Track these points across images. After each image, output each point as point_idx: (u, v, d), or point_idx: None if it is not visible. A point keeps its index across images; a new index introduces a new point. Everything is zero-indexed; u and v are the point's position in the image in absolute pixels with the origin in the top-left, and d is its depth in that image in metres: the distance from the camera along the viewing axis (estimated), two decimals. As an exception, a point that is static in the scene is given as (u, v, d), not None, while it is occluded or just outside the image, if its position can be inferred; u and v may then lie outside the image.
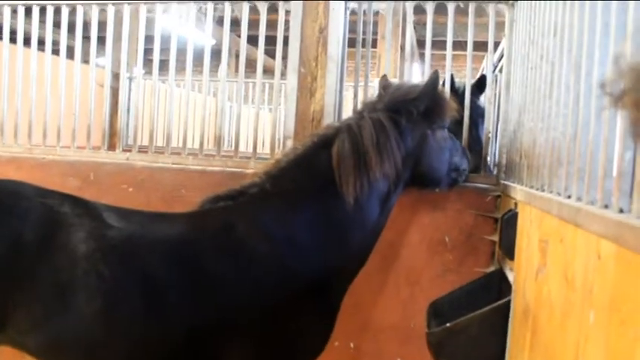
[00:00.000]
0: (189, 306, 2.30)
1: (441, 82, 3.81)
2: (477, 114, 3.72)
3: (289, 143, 3.39)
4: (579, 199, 1.50)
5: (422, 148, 2.69)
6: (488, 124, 3.51)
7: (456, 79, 4.00)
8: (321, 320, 2.53)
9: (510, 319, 2.30)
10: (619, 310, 1.08)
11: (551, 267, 1.66)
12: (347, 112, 4.03)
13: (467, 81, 3.51)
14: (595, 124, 1.43)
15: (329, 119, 3.37)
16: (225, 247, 2.42)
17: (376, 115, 2.62)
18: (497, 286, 2.76)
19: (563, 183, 1.67)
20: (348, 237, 2.57)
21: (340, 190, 2.50)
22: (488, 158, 3.73)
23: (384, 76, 3.28)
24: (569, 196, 1.61)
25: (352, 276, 2.70)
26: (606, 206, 1.30)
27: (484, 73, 4.30)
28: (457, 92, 3.81)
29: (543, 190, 1.97)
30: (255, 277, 2.37)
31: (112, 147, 4.66)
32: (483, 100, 3.76)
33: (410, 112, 2.64)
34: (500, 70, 4.24)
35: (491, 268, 3.06)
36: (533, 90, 2.40)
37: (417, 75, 18.09)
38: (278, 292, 2.40)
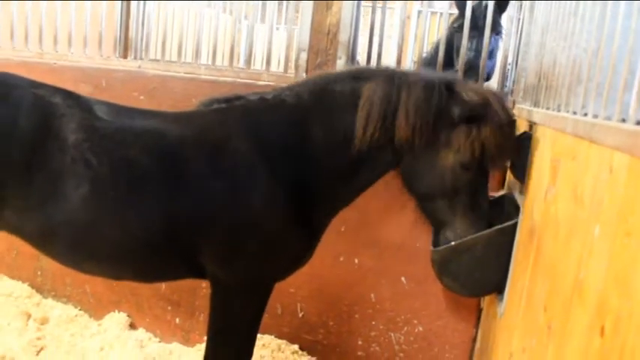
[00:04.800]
0: (169, 196, 2.39)
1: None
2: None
3: (303, 56, 3.32)
4: (595, 116, 1.46)
5: (432, 152, 2.40)
6: (507, 49, 3.41)
7: None
8: (294, 229, 2.51)
9: (516, 240, 2.31)
10: (626, 221, 1.07)
11: (561, 185, 1.64)
12: (364, 30, 3.92)
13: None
14: (620, 34, 1.37)
15: (345, 33, 3.28)
16: (203, 145, 2.46)
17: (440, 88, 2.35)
18: (505, 210, 2.76)
19: (580, 101, 1.62)
20: (323, 174, 2.49)
21: (355, 131, 2.37)
22: (506, 84, 3.66)
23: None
24: (585, 114, 1.57)
25: (333, 207, 2.66)
26: (623, 120, 1.26)
27: None
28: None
29: (559, 111, 1.93)
30: (230, 178, 2.42)
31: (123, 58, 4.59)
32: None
33: (453, 110, 2.34)
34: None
35: (501, 193, 3.05)
36: (558, 8, 2.31)
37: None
38: (250, 194, 2.43)
